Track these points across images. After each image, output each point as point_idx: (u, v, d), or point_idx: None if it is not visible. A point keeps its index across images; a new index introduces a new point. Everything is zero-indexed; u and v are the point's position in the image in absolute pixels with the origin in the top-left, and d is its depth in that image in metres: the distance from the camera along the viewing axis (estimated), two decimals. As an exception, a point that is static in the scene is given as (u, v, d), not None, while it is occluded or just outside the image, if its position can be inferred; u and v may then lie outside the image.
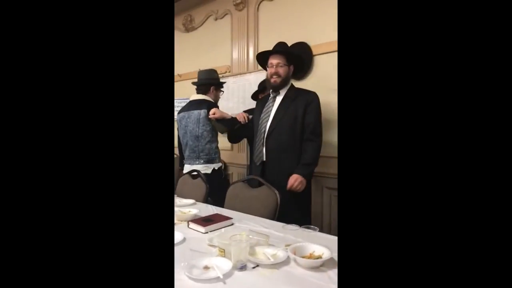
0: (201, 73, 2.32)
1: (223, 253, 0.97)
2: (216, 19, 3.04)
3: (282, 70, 1.78)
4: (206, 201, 1.84)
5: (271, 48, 1.99)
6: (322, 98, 1.93)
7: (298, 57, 1.94)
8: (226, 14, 2.94)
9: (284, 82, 1.80)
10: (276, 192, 1.53)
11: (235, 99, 2.85)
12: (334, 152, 2.16)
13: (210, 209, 1.60)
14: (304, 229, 1.11)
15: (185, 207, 1.59)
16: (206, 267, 0.90)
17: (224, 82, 2.41)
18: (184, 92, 3.38)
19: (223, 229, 1.25)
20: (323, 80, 2.26)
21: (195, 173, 2.06)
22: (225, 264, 0.90)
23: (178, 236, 1.14)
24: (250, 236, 1.01)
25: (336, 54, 2.22)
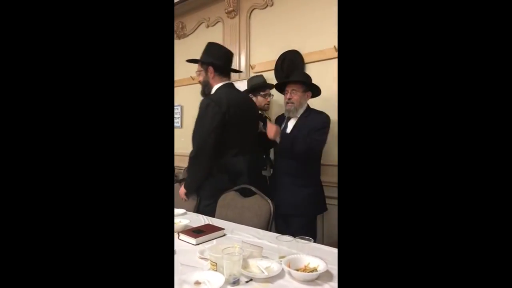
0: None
1: (215, 266, 0.93)
2: (207, 26, 3.03)
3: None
4: (197, 210, 1.80)
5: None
6: (315, 107, 1.94)
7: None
8: (218, 21, 2.94)
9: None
10: (269, 201, 1.50)
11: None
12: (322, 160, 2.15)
13: (201, 219, 1.56)
14: (298, 240, 1.08)
15: (175, 217, 1.54)
16: (198, 283, 0.86)
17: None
18: (176, 98, 3.35)
19: (214, 240, 1.22)
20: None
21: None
22: (217, 279, 0.86)
23: (168, 248, 1.10)
24: (243, 248, 0.98)
25: (328, 62, 2.23)
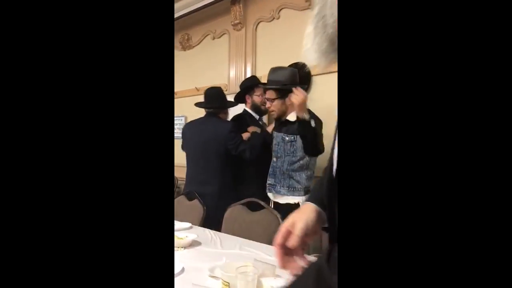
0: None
1: (227, 286, 0.89)
2: (213, 38, 3.05)
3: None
4: (203, 224, 1.76)
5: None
6: (321, 118, 1.93)
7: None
8: (224, 33, 2.95)
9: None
10: (279, 216, 1.46)
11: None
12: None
13: (208, 234, 1.52)
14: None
15: (181, 232, 1.50)
16: (210, 304, 0.82)
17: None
18: (180, 109, 3.34)
19: (224, 257, 1.18)
20: (321, 100, 2.25)
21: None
22: (231, 300, 0.82)
23: (176, 266, 1.06)
24: (256, 267, 0.94)
25: (333, 74, 2.23)
